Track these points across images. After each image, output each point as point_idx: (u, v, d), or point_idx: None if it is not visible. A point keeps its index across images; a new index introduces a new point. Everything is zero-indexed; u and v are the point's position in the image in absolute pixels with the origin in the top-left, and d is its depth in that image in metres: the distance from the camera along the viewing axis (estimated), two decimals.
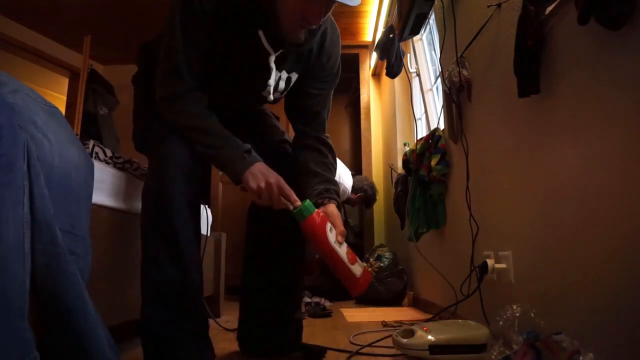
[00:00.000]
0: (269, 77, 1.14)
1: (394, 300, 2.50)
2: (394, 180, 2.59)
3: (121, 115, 3.60)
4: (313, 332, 1.62)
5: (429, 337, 1.13)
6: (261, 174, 1.03)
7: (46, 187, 0.61)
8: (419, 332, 1.16)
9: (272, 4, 1.02)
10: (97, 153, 1.23)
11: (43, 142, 0.64)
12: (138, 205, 1.22)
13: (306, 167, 1.21)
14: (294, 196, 1.05)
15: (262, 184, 1.01)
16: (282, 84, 1.19)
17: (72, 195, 0.68)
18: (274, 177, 1.03)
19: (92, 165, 0.78)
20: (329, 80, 1.25)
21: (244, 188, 1.05)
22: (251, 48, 1.09)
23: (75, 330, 0.62)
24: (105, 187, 1.16)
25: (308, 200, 1.05)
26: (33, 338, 0.54)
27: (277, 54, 1.11)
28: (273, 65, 1.12)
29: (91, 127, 3.26)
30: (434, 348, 1.11)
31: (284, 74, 1.18)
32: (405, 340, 1.16)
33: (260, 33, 1.07)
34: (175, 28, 1.05)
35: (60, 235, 0.62)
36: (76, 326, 0.62)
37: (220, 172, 1.22)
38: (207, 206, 1.81)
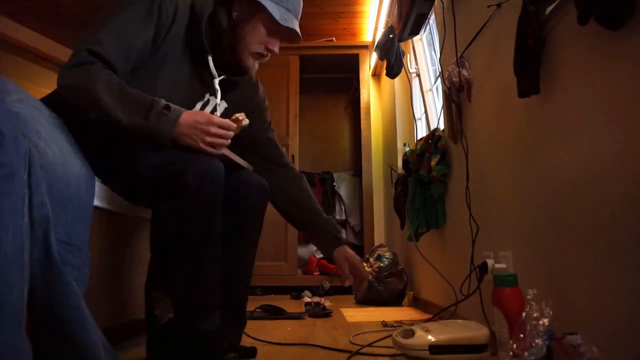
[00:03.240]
0: (204, 98, 1.21)
1: (394, 300, 2.50)
2: (394, 180, 2.59)
3: None
4: (313, 332, 1.62)
5: (429, 337, 1.13)
6: (190, 127, 0.99)
7: (47, 195, 0.61)
8: (419, 332, 1.16)
9: (234, 34, 1.16)
10: None
11: (46, 151, 0.64)
12: (133, 208, 1.21)
13: (296, 200, 1.35)
14: (229, 122, 1.05)
15: (198, 139, 1.00)
16: (218, 112, 1.25)
17: (70, 205, 0.68)
18: (203, 118, 1.01)
19: (93, 178, 0.78)
20: (264, 108, 1.40)
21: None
22: (197, 69, 1.17)
23: (70, 339, 0.61)
24: (101, 190, 1.16)
25: None
26: (30, 349, 0.53)
27: (220, 78, 1.21)
28: (218, 87, 1.20)
29: None
30: (434, 348, 1.11)
31: (220, 101, 1.25)
32: (405, 340, 1.16)
33: (209, 58, 1.17)
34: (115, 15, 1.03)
35: (55, 245, 0.61)
36: (71, 336, 0.62)
37: None
38: None
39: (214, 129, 1.01)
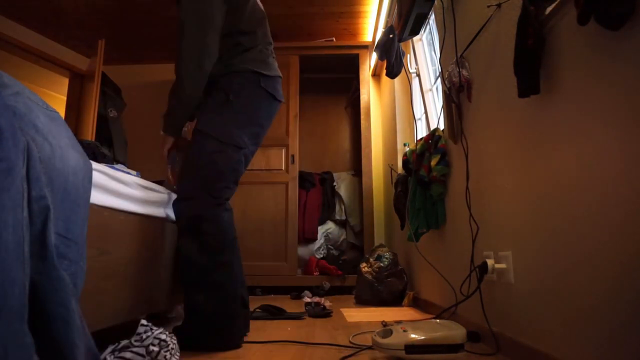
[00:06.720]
0: None
1: (394, 300, 2.50)
2: (394, 180, 2.59)
3: (128, 117, 3.61)
4: (313, 332, 1.62)
5: (405, 337, 1.13)
6: None
7: (47, 188, 0.61)
8: (396, 332, 1.16)
9: None
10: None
11: (44, 145, 0.64)
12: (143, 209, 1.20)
13: None
14: None
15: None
16: None
17: (68, 199, 0.67)
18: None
19: (90, 169, 0.77)
20: None
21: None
22: None
23: (53, 338, 0.60)
24: (104, 191, 1.16)
25: None
26: (32, 342, 0.53)
27: None
28: None
29: (102, 130, 3.25)
30: (409, 348, 1.12)
31: None
32: (382, 340, 1.16)
33: None
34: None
35: (52, 239, 0.61)
36: (55, 334, 0.60)
37: None
38: None
39: None
